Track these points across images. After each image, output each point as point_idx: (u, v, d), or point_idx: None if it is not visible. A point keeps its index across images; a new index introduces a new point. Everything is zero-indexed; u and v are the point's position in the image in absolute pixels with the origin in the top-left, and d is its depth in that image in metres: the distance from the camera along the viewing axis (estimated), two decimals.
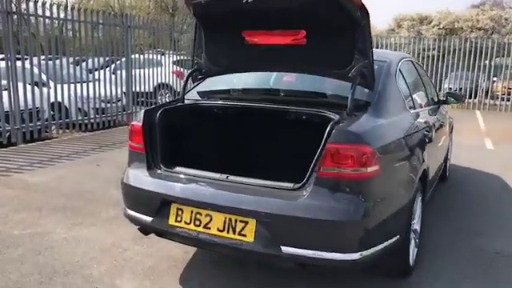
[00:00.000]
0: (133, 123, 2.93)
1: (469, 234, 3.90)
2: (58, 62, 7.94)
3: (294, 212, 2.35)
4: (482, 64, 15.07)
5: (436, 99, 4.62)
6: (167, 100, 11.86)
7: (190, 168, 2.81)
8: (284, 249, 2.33)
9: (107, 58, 9.27)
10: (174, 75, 11.29)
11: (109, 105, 9.09)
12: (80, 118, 8.44)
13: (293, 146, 3.10)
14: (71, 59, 8.38)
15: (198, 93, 3.39)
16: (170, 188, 2.69)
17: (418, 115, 3.43)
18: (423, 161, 3.14)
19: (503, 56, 15.25)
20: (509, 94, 14.62)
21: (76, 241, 3.53)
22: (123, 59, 9.63)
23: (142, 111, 2.92)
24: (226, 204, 2.48)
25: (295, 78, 3.49)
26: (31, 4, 7.31)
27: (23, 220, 3.92)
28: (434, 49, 15.74)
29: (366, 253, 2.36)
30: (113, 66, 9.45)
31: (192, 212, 2.55)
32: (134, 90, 9.78)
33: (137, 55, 10.40)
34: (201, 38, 3.14)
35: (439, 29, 26.79)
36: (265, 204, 2.41)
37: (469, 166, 6.45)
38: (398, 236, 2.66)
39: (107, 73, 9.10)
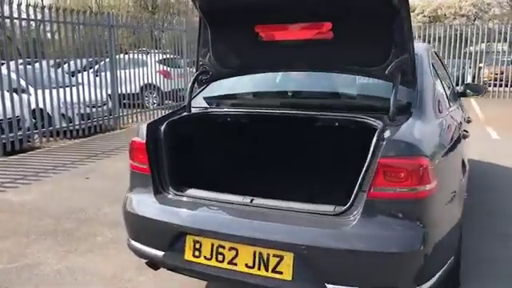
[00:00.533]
0: (134, 140, 2.50)
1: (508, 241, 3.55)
2: (37, 65, 7.41)
3: (341, 243, 1.97)
4: (467, 51, 14.91)
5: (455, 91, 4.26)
6: (154, 101, 11.55)
7: (204, 190, 2.39)
8: (330, 287, 1.97)
9: (90, 60, 8.74)
10: (160, 75, 10.81)
11: (94, 109, 8.58)
12: (64, 124, 7.92)
13: (325, 160, 2.71)
14: (51, 62, 7.85)
15: (205, 99, 2.97)
16: (183, 217, 2.27)
17: (454, 113, 3.07)
18: (465, 166, 2.77)
19: (488, 42, 15.10)
20: (495, 80, 14.46)
21: (71, 273, 3.08)
22: (107, 60, 9.12)
23: (144, 125, 2.48)
24: (254, 235, 2.08)
25: (314, 78, 3.10)
26: (6, 6, 6.75)
27: (8, 250, 3.46)
28: (419, 37, 15.49)
29: (424, 286, 2.00)
30: (96, 67, 8.95)
31: (213, 245, 2.15)
32: (119, 91, 9.28)
33: (121, 55, 9.90)
34: (206, 37, 2.71)
35: (423, 16, 26.69)
36: (303, 234, 2.02)
37: (480, 159, 6.14)
38: (452, 257, 2.29)
39: (91, 75, 8.59)
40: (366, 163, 2.01)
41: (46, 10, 7.70)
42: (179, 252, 2.22)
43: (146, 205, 2.39)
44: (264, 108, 2.73)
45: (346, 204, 2.04)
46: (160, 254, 2.29)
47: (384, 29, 2.29)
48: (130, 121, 9.67)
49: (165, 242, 2.26)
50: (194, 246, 2.19)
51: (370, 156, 2.01)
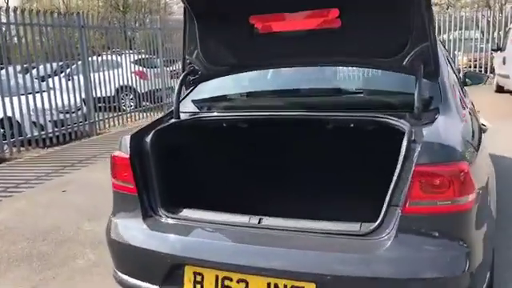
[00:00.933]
0: (116, 154, 2.15)
1: None
2: (2, 72, 6.90)
3: (373, 271, 1.67)
4: (441, 38, 14.88)
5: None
6: (130, 104, 11.08)
7: (202, 210, 2.07)
8: None
9: (61, 63, 8.26)
10: (136, 76, 10.37)
11: (68, 115, 8.10)
12: (36, 133, 7.43)
13: (341, 168, 2.40)
14: (18, 68, 7.35)
15: (195, 102, 2.63)
16: (179, 245, 1.96)
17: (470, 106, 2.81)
18: (489, 165, 2.50)
19: (460, 29, 15.07)
20: (470, 67, 14.43)
21: None
22: (79, 63, 8.64)
23: (127, 137, 2.14)
24: (268, 264, 1.77)
25: (317, 74, 2.81)
26: None
27: None
28: None
29: None
30: (68, 71, 8.46)
31: (217, 277, 1.85)
32: (93, 95, 8.82)
33: (94, 57, 9.42)
34: (193, 31, 2.38)
35: None
36: (327, 261, 1.74)
37: None
38: (489, 272, 2.02)
39: (62, 79, 8.11)
40: (397, 172, 1.72)
41: (11, 13, 7.19)
42: (177, 286, 1.92)
43: (135, 232, 2.06)
44: (264, 110, 2.41)
45: (373, 220, 1.75)
46: None
47: (400, 13, 2.01)
48: (107, 126, 9.22)
49: (159, 275, 1.94)
50: (195, 278, 1.88)
51: (400, 163, 1.72)
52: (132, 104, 10.81)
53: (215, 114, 2.49)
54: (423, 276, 1.64)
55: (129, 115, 9.96)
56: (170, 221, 2.04)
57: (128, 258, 2.09)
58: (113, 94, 9.62)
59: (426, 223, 1.69)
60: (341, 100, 2.47)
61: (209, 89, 2.68)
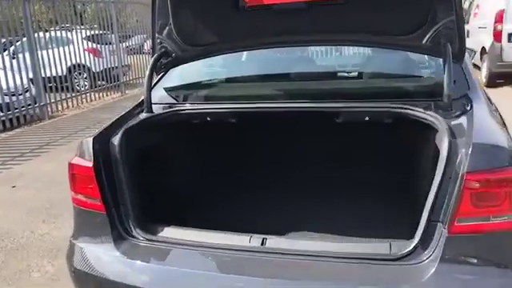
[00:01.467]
0: (75, 162, 1.72)
1: None
2: None
3: None
4: None
5: None
6: (85, 84, 10.32)
7: (187, 228, 1.68)
8: None
9: (3, 41, 7.46)
10: (89, 53, 9.64)
11: (14, 98, 7.35)
12: None
13: (355, 169, 2.06)
14: None
15: (168, 91, 2.20)
16: (163, 277, 1.57)
17: None
18: None
19: None
20: None
21: None
22: (24, 40, 7.85)
23: (89, 140, 1.70)
24: None
25: (313, 55, 2.50)
26: None
27: None
28: None
29: None
30: (12, 49, 7.67)
31: None
32: (42, 75, 8.09)
33: (41, 34, 8.61)
34: (165, 5, 1.96)
35: None
36: None
37: None
38: None
39: (6, 58, 7.33)
40: (437, 179, 1.40)
41: None
42: None
43: (108, 261, 1.65)
44: (256, 101, 2.02)
45: (401, 236, 1.45)
46: None
47: None
48: (60, 108, 8.51)
49: None
50: None
51: (442, 168, 1.40)
52: (86, 84, 10.08)
53: (196, 105, 2.08)
54: None
55: (84, 96, 9.27)
56: (150, 244, 1.65)
57: None
58: (64, 74, 8.90)
59: (478, 245, 1.39)
60: (345, 87, 2.12)
61: (185, 74, 2.27)
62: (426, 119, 1.61)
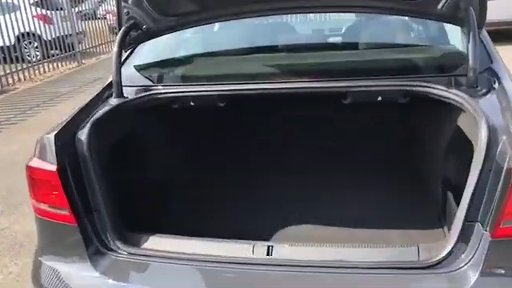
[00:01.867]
0: (34, 166, 1.42)
1: None
2: None
3: None
4: None
5: None
6: (36, 53, 9.57)
7: (175, 237, 1.44)
8: None
9: None
10: (38, 20, 8.93)
11: None
12: None
13: (366, 156, 1.88)
14: None
15: (140, 70, 1.89)
16: None
17: None
18: None
19: None
20: None
21: None
22: None
23: (50, 137, 1.40)
24: None
25: (308, 23, 2.26)
26: None
27: None
28: None
29: None
30: None
31: None
32: None
33: None
34: None
35: None
36: None
37: None
38: None
39: None
40: (476, 172, 1.21)
41: None
42: None
43: (82, 283, 1.39)
44: (246, 80, 1.75)
45: (428, 238, 1.28)
46: None
47: None
48: (11, 81, 7.87)
49: None
50: None
51: (482, 160, 1.21)
52: (38, 54, 9.37)
53: (176, 88, 1.78)
54: None
55: (36, 67, 8.62)
56: (134, 259, 1.39)
57: None
58: (13, 43, 8.21)
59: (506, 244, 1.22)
60: (349, 60, 1.88)
61: (158, 50, 1.97)
62: (451, 99, 1.41)
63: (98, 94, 1.71)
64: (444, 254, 1.22)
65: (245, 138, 2.14)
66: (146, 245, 1.43)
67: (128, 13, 1.71)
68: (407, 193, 1.64)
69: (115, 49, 1.70)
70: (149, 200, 1.70)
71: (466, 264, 1.21)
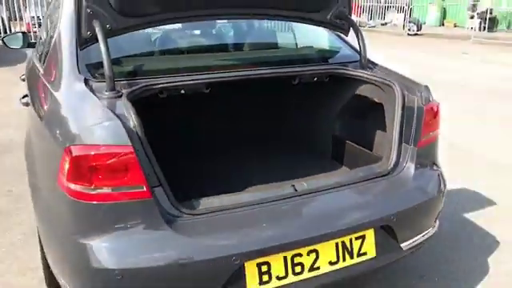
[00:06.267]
0: (102, 152, 1.48)
1: None
2: None
3: (410, 202, 1.95)
4: None
5: None
6: None
7: (219, 196, 1.75)
8: (403, 245, 1.94)
9: None
10: None
11: None
12: None
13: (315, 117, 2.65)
14: None
15: (91, 68, 1.96)
16: (232, 242, 1.61)
17: None
18: None
19: None
20: None
21: None
22: None
23: (116, 123, 1.52)
24: (329, 228, 1.73)
25: (235, 27, 2.94)
26: None
27: None
28: None
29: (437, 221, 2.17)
30: None
31: (286, 258, 1.67)
32: None
33: None
34: None
35: None
36: (375, 205, 1.90)
37: None
38: None
39: None
40: (400, 113, 1.97)
41: None
42: None
43: (164, 246, 1.55)
44: (210, 71, 2.08)
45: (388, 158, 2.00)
46: None
47: None
48: None
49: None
50: (260, 270, 1.64)
51: (401, 106, 1.98)
52: None
53: (157, 79, 1.93)
54: (432, 196, 2.03)
55: None
56: (199, 219, 1.63)
57: (155, 285, 1.54)
58: None
59: (427, 153, 2.07)
60: (276, 54, 2.58)
61: (119, 47, 2.11)
62: (360, 76, 2.21)
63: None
64: (392, 164, 1.97)
65: (221, 115, 2.64)
66: (200, 206, 1.65)
67: (91, 12, 1.81)
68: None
69: (102, 46, 1.76)
70: (175, 173, 1.87)
71: (406, 165, 1.99)
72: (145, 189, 1.52)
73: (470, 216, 3.10)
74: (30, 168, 2.12)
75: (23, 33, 3.83)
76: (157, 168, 1.57)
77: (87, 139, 1.50)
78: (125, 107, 1.61)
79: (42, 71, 2.30)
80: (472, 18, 15.34)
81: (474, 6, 15.79)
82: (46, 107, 1.98)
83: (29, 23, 13.39)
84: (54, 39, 2.20)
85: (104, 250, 1.52)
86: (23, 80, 3.14)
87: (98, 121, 1.54)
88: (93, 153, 1.48)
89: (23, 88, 2.92)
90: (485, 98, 6.65)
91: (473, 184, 3.54)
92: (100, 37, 1.77)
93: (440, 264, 2.57)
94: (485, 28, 14.97)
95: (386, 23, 19.02)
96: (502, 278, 2.46)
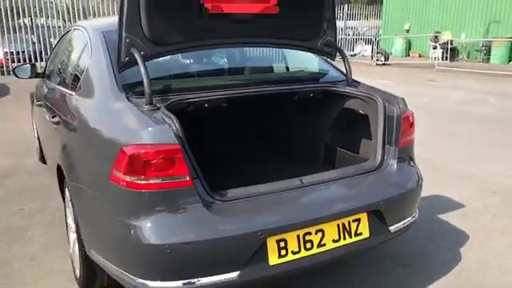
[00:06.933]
0: (153, 150, 1.84)
1: None
2: None
3: (394, 191, 2.37)
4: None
5: None
6: None
7: (240, 188, 2.11)
8: (391, 229, 2.34)
9: None
10: None
11: None
12: None
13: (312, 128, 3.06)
14: None
15: (127, 87, 2.32)
16: (259, 221, 1.99)
17: None
18: None
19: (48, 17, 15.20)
20: None
21: None
22: None
23: (166, 126, 1.91)
24: (336, 210, 2.15)
25: (240, 54, 3.40)
26: None
27: None
28: None
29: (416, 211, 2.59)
30: None
31: (298, 237, 2.05)
32: None
33: None
34: (136, 8, 2.15)
35: None
36: (367, 194, 2.33)
37: None
38: None
39: None
40: (382, 120, 2.41)
41: None
42: (260, 261, 1.96)
43: (204, 225, 1.91)
44: (228, 89, 2.49)
45: (374, 157, 2.43)
46: (233, 275, 1.92)
47: (319, 6, 2.62)
48: None
49: (241, 258, 1.94)
50: (279, 245, 2.00)
51: (383, 115, 2.42)
52: None
53: (185, 95, 2.32)
54: (413, 186, 2.47)
55: None
56: (230, 204, 2.00)
57: (195, 256, 1.89)
58: None
59: (406, 152, 2.51)
60: (272, 76, 3.10)
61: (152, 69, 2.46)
62: (348, 92, 2.68)
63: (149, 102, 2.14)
64: (378, 162, 2.40)
65: (237, 126, 3.06)
66: (229, 194, 2.03)
67: (130, 42, 2.19)
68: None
69: (142, 69, 2.12)
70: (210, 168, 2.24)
71: (391, 162, 2.41)
72: (188, 178, 1.89)
73: (444, 216, 3.52)
74: (70, 175, 2.43)
75: (32, 64, 4.21)
76: (194, 163, 1.93)
77: (141, 140, 1.86)
78: (167, 116, 1.98)
79: (74, 93, 2.65)
80: (435, 48, 16.43)
81: (436, 37, 16.90)
82: (87, 122, 2.34)
83: (1, 58, 13.89)
84: (86, 66, 2.58)
85: (155, 229, 1.86)
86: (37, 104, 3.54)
87: (148, 125, 1.92)
88: (146, 151, 1.84)
89: None
90: (447, 118, 7.30)
91: (444, 190, 4.00)
92: (139, 61, 2.14)
93: (421, 255, 2.96)
94: (447, 58, 16.05)
95: (355, 54, 20.01)
96: (472, 265, 2.86)
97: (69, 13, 15.83)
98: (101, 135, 2.14)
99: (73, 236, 2.67)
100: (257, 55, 3.53)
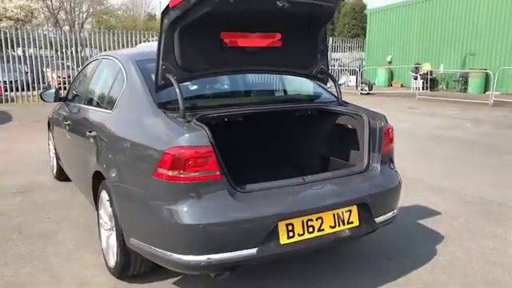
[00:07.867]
0: (192, 152, 2.37)
1: None
2: None
3: (379, 188, 2.87)
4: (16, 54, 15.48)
5: None
6: None
7: (256, 183, 2.60)
8: (377, 220, 2.84)
9: None
10: None
11: None
12: None
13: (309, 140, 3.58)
14: None
15: (160, 105, 2.85)
16: (274, 207, 2.49)
17: None
18: None
19: (41, 47, 15.91)
20: (64, 83, 14.95)
21: None
22: None
23: (202, 132, 2.44)
24: (333, 201, 2.65)
25: (248, 79, 3.95)
26: None
27: None
28: None
29: (397, 207, 3.09)
30: None
31: (303, 222, 2.55)
32: None
33: None
34: (170, 41, 2.72)
35: None
36: (356, 190, 2.80)
37: None
38: None
39: None
40: (367, 132, 2.95)
41: None
42: (273, 240, 2.45)
43: (230, 209, 2.41)
44: (242, 106, 3.06)
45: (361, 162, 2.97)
46: (252, 251, 2.41)
47: (314, 39, 3.17)
48: None
49: (257, 238, 2.42)
50: (287, 228, 2.50)
51: (367, 126, 2.96)
52: None
53: (209, 111, 2.84)
54: (394, 185, 3.00)
55: None
56: (251, 194, 2.50)
57: (223, 234, 2.37)
58: None
59: (387, 156, 3.04)
60: (275, 97, 3.83)
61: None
62: (339, 110, 3.25)
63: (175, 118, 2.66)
64: (365, 165, 2.91)
65: (249, 137, 3.57)
66: (248, 188, 2.52)
67: (165, 68, 2.73)
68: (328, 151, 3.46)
69: (178, 90, 2.65)
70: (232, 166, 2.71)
71: (375, 166, 2.94)
72: (218, 173, 2.41)
73: (423, 221, 4.05)
74: (112, 177, 2.89)
75: (56, 90, 4.75)
76: (221, 162, 2.45)
77: (182, 143, 2.39)
78: (198, 125, 2.50)
79: (111, 111, 3.19)
80: (416, 78, 17.36)
81: (417, 68, 17.85)
82: (129, 132, 2.87)
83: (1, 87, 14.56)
84: (123, 89, 3.12)
85: (191, 212, 2.37)
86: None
87: (186, 132, 2.45)
88: (186, 151, 2.37)
89: None
90: (427, 141, 7.96)
91: (423, 201, 4.56)
92: (175, 84, 2.69)
93: (402, 250, 3.47)
94: (427, 87, 16.96)
95: (340, 84, 20.62)
96: (446, 257, 3.37)
97: (61, 45, 16.65)
98: (143, 142, 2.66)
99: (105, 234, 3.14)
100: (263, 81, 4.14)
